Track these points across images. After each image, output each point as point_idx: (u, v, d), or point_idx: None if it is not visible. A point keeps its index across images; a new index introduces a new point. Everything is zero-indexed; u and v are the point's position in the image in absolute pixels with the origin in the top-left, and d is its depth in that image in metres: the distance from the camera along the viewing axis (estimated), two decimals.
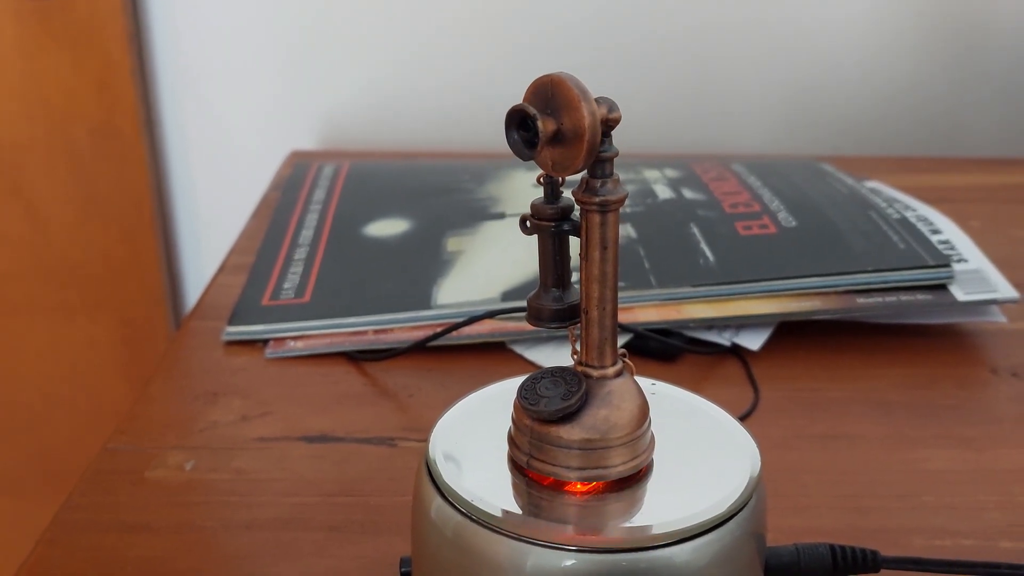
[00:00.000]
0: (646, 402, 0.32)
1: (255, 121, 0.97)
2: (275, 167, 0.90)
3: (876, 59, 0.93)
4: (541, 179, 0.31)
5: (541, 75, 0.29)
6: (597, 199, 0.30)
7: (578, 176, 0.31)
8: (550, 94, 0.29)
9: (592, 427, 0.31)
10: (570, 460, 0.31)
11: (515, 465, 0.33)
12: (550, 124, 0.29)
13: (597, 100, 0.29)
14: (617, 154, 0.30)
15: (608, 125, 0.30)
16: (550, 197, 0.32)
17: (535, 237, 0.33)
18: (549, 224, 0.32)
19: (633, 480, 0.32)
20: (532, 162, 0.30)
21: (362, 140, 0.96)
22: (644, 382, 0.36)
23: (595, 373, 0.32)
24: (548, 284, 0.33)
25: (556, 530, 0.30)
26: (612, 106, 0.29)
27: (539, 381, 0.32)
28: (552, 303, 0.33)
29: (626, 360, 0.33)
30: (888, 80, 0.93)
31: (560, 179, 0.31)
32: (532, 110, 0.29)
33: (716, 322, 0.58)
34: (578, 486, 0.31)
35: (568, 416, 0.31)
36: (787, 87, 0.94)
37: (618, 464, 0.31)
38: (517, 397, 0.32)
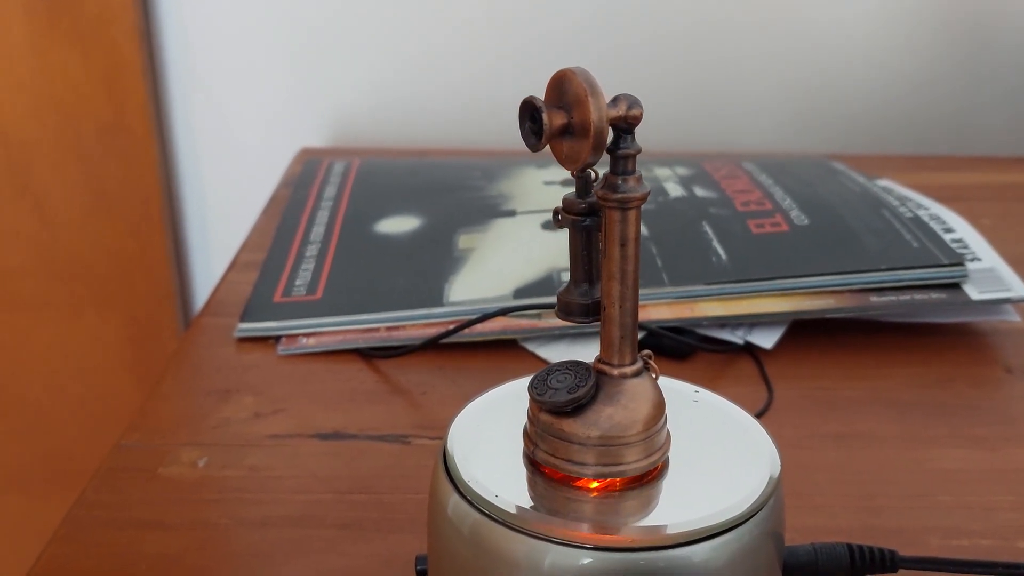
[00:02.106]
0: (661, 403, 0.32)
1: (265, 118, 0.97)
2: (285, 164, 0.90)
3: (887, 56, 0.92)
4: (574, 174, 0.31)
5: (559, 69, 0.29)
6: (616, 196, 0.30)
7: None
8: (563, 88, 0.29)
9: (595, 424, 0.31)
10: (572, 454, 0.31)
11: (531, 462, 0.32)
12: (557, 117, 0.29)
13: (617, 97, 0.29)
14: (639, 151, 0.30)
15: (628, 122, 0.29)
16: (582, 192, 0.32)
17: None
18: (577, 218, 0.32)
19: (650, 479, 0.32)
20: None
21: (372, 137, 0.96)
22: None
23: (614, 372, 0.32)
24: (577, 279, 0.33)
25: (574, 528, 0.30)
26: (633, 103, 0.29)
27: (552, 373, 0.32)
28: (580, 298, 0.32)
29: (650, 361, 0.32)
30: (899, 78, 0.93)
31: (593, 174, 0.31)
32: (539, 102, 0.29)
33: (729, 320, 0.58)
34: (593, 484, 0.31)
35: (575, 410, 0.31)
36: (797, 85, 0.93)
37: (625, 463, 0.31)
38: (528, 387, 0.32)
